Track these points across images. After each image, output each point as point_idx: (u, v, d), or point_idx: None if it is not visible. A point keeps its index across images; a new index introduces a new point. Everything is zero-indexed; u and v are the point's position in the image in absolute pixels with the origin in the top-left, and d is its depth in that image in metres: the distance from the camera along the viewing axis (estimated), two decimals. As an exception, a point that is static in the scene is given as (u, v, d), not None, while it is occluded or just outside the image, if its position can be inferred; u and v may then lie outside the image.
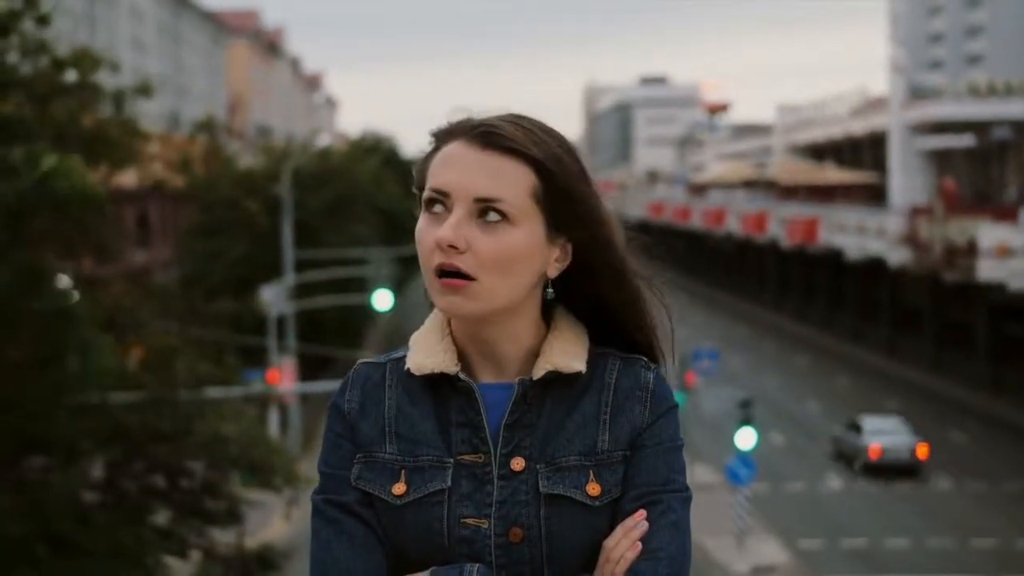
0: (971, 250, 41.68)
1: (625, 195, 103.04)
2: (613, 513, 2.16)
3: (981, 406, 45.05)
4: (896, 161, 60.12)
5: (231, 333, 29.70)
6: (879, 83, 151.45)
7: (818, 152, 78.55)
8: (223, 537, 21.46)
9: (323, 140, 64.40)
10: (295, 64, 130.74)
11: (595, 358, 2.21)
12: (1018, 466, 36.21)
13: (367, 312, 44.16)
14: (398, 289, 41.96)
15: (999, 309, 45.39)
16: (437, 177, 2.14)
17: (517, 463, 2.15)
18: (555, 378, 2.17)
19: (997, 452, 38.46)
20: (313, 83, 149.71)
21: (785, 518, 31.68)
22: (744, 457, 28.58)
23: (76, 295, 17.92)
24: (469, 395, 2.17)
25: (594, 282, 2.24)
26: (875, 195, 64.00)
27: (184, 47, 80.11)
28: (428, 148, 2.21)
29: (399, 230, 52.71)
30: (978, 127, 56.68)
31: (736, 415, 29.19)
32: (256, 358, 36.02)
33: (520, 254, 2.13)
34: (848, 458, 37.23)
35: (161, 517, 19.90)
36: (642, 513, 2.14)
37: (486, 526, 2.13)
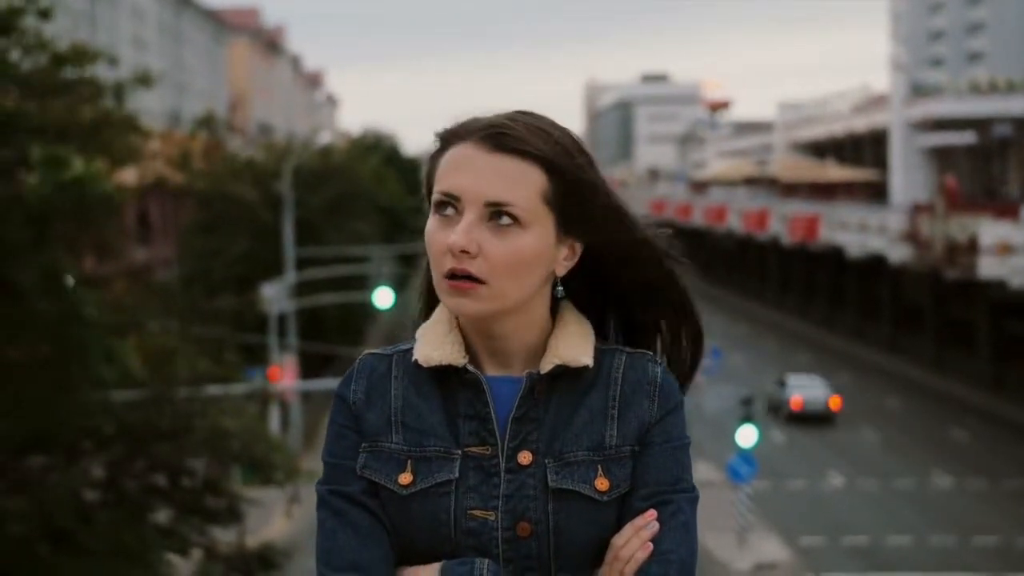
0: (972, 247, 41.66)
1: (626, 193, 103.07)
2: (620, 508, 2.15)
3: (982, 404, 45.03)
4: (897, 158, 60.11)
5: (232, 331, 29.68)
6: (880, 80, 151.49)
7: (819, 149, 78.56)
8: (224, 536, 21.46)
9: (324, 138, 64.46)
10: (296, 62, 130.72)
11: (601, 353, 2.20)
12: (1019, 464, 36.20)
13: (368, 310, 44.16)
14: (399, 287, 41.95)
15: (1000, 307, 45.38)
16: (447, 180, 2.13)
17: (524, 457, 2.14)
18: (562, 372, 2.16)
19: (998, 450, 38.45)
20: (314, 81, 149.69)
21: (786, 516, 31.68)
22: (745, 455, 28.58)
23: (88, 294, 17.92)
24: (477, 387, 2.16)
25: (607, 275, 2.24)
26: (876, 192, 64.01)
27: (185, 45, 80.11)
28: (433, 148, 2.20)
29: (400, 228, 52.79)
30: (979, 124, 56.67)
31: (737, 413, 29.19)
32: (257, 356, 36.03)
33: (531, 257, 2.13)
34: (776, 409, 42.75)
35: (162, 516, 19.90)
36: (653, 513, 2.14)
37: (493, 518, 2.12)
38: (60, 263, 17.37)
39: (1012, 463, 36.33)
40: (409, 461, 2.15)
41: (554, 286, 2.20)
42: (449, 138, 2.17)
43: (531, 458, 2.14)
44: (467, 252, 2.09)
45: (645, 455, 2.16)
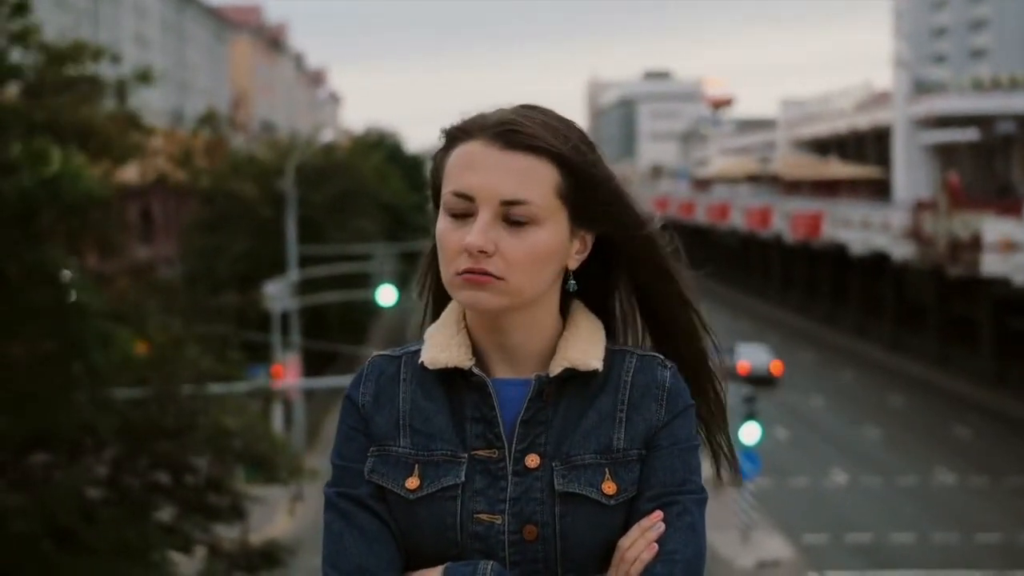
0: (975, 244, 41.64)
1: (629, 190, 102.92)
2: (628, 512, 2.14)
3: (985, 400, 45.02)
4: (900, 156, 60.05)
5: (235, 329, 29.68)
6: (883, 78, 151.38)
7: (822, 147, 78.49)
8: (227, 533, 21.47)
9: (327, 136, 64.46)
10: (298, 60, 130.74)
11: (611, 355, 2.19)
12: (1022, 460, 36.19)
13: (371, 308, 44.17)
14: (402, 284, 41.92)
15: (1003, 303, 45.37)
16: (459, 179, 2.12)
17: (532, 460, 2.13)
18: (571, 375, 2.16)
19: (1001, 447, 38.43)
20: (317, 79, 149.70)
21: (790, 513, 31.68)
22: (748, 452, 28.56)
23: (85, 287, 17.89)
24: (483, 390, 2.15)
25: (617, 271, 2.24)
26: (879, 190, 63.95)
27: (187, 43, 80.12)
28: (439, 145, 2.18)
29: (403, 225, 52.80)
30: (982, 121, 56.59)
31: (740, 410, 29.17)
32: (260, 354, 36.02)
33: (547, 253, 2.12)
34: None
35: (165, 514, 19.90)
36: (658, 514, 2.13)
37: (500, 522, 2.12)
38: (53, 258, 17.32)
39: (1015, 460, 36.31)
40: (416, 465, 2.15)
41: (566, 280, 2.19)
42: (457, 135, 2.16)
43: (539, 461, 2.13)
44: (484, 252, 2.09)
45: (652, 457, 2.15)
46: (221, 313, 28.45)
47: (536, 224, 2.10)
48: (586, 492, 2.12)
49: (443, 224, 2.13)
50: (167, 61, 70.99)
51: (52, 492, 17.18)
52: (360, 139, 72.87)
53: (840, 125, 74.55)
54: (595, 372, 2.16)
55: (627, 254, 2.22)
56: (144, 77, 21.13)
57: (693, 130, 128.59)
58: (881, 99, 70.22)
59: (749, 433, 28.34)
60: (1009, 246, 39.84)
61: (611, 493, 2.13)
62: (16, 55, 19.19)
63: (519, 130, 2.11)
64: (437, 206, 2.20)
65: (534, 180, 2.11)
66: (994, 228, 40.77)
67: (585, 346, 2.17)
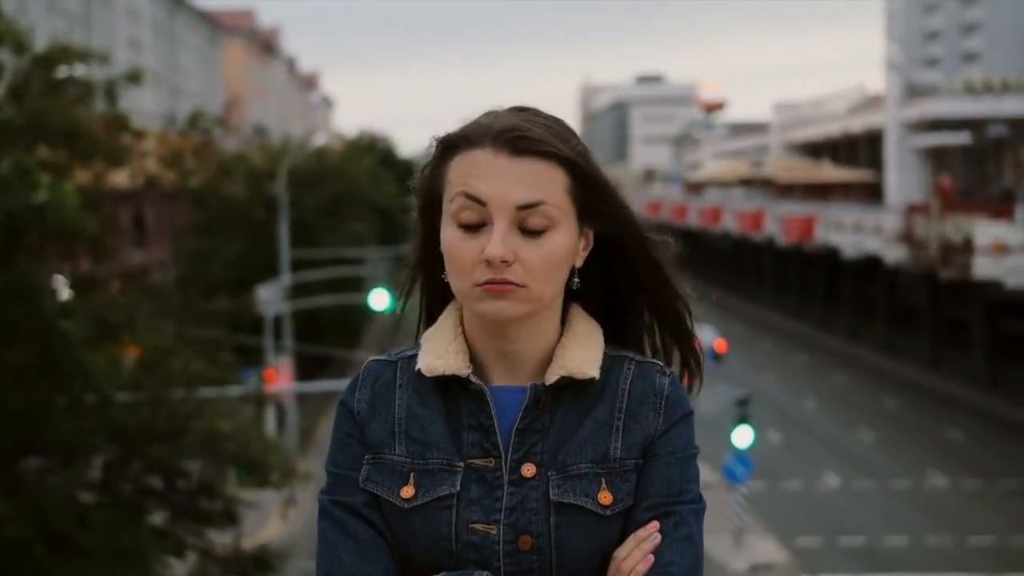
0: (967, 248, 41.68)
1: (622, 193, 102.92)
2: (625, 522, 2.12)
3: (978, 403, 45.06)
4: (892, 159, 60.12)
5: (228, 332, 29.65)
6: (876, 81, 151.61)
7: (814, 150, 78.57)
8: (220, 537, 21.45)
9: (319, 139, 64.35)
10: (291, 64, 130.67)
11: (610, 361, 2.18)
12: (1015, 463, 36.22)
13: (364, 312, 44.14)
14: (395, 289, 41.89)
15: (995, 306, 45.41)
16: (470, 188, 2.09)
17: (528, 469, 2.11)
18: (568, 383, 2.14)
19: (994, 449, 38.46)
20: (309, 83, 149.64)
21: (783, 516, 31.68)
22: (741, 455, 28.57)
23: (71, 305, 17.84)
24: (480, 398, 2.13)
25: (623, 269, 2.23)
26: (872, 193, 64.02)
27: (180, 47, 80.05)
28: (434, 154, 2.16)
29: (396, 229, 52.75)
30: (974, 125, 56.67)
31: (733, 413, 29.18)
32: (253, 358, 35.98)
33: (564, 255, 2.12)
34: None
35: (158, 518, 19.88)
36: (655, 525, 2.11)
37: (495, 532, 2.10)
38: (36, 276, 17.29)
39: (1008, 462, 36.34)
40: (412, 474, 2.13)
41: (570, 277, 2.17)
42: (458, 143, 2.13)
43: (535, 470, 2.11)
44: (506, 261, 2.07)
45: (649, 467, 2.13)
46: (214, 317, 28.39)
47: (552, 228, 2.10)
48: (581, 503, 2.10)
49: (452, 235, 2.11)
50: (160, 65, 70.93)
51: (45, 496, 17.16)
52: (353, 143, 72.85)
53: (832, 128, 74.63)
54: (592, 380, 2.14)
55: (627, 251, 2.22)
56: (133, 78, 21.10)
57: (686, 134, 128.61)
58: (873, 102, 70.32)
59: (742, 436, 28.36)
60: (1001, 249, 39.88)
61: (607, 503, 2.11)
62: (2, 58, 19.18)
63: (527, 136, 2.09)
64: (428, 215, 2.18)
65: (546, 183, 2.09)
66: (986, 231, 40.82)
67: (582, 353, 2.15)
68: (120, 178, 28.51)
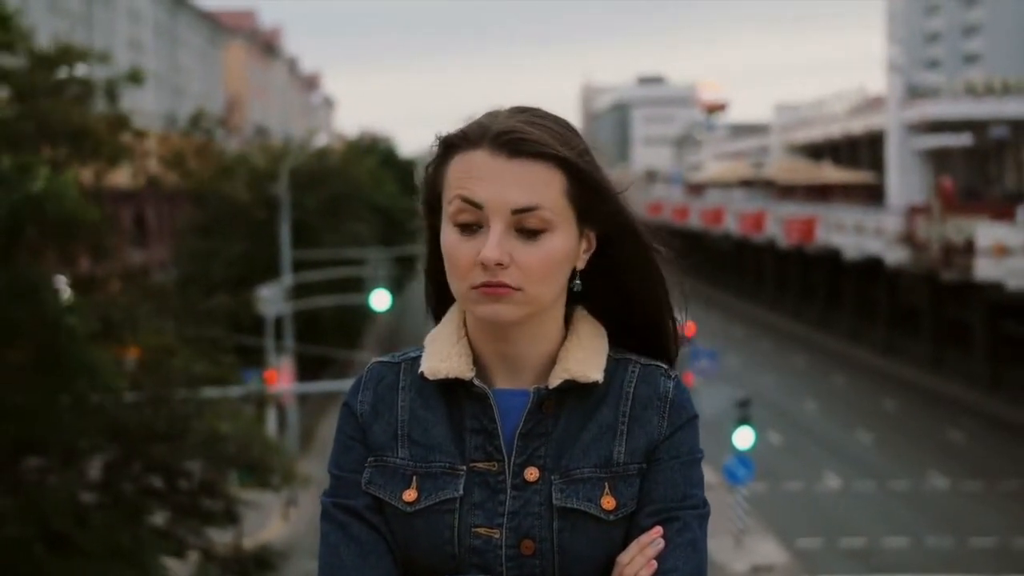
0: (969, 249, 41.67)
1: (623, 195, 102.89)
2: (628, 527, 2.11)
3: (979, 405, 45.05)
4: (894, 160, 60.09)
5: (228, 333, 29.62)
6: (877, 82, 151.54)
7: (816, 151, 78.53)
8: (221, 537, 21.44)
9: (320, 140, 64.32)
10: (292, 64, 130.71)
11: (614, 364, 2.16)
12: (1016, 464, 36.21)
13: (365, 312, 44.14)
14: (396, 289, 41.89)
15: (997, 308, 45.40)
16: (466, 190, 2.07)
17: (531, 473, 2.10)
18: (572, 386, 2.12)
19: (995, 450, 38.45)
20: (310, 83, 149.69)
21: (783, 517, 31.67)
22: (742, 457, 28.56)
23: (74, 302, 17.84)
24: (484, 401, 2.12)
25: (619, 271, 2.20)
26: (873, 194, 63.99)
27: (181, 47, 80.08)
28: (436, 152, 2.14)
29: (397, 230, 52.76)
30: (976, 126, 56.65)
31: (734, 414, 29.18)
32: (254, 358, 35.97)
33: (562, 258, 2.10)
34: None
35: (159, 518, 19.88)
36: (658, 530, 2.10)
37: (497, 536, 2.09)
38: (38, 274, 17.29)
39: (1009, 464, 36.33)
40: (415, 477, 2.12)
41: (571, 279, 2.16)
42: (457, 143, 2.11)
43: (538, 474, 2.10)
44: (501, 264, 2.05)
45: (653, 471, 2.12)
46: (214, 317, 28.37)
47: (549, 230, 2.08)
48: (584, 507, 2.09)
49: (451, 236, 2.09)
50: (161, 66, 70.96)
51: (45, 496, 17.15)
52: (354, 143, 72.79)
53: (834, 129, 74.60)
54: (595, 383, 2.13)
55: (626, 253, 2.20)
56: (134, 77, 21.12)
57: (687, 135, 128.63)
58: (875, 103, 70.29)
59: (742, 437, 28.35)
60: (1002, 250, 39.87)
61: (610, 508, 2.10)
62: (4, 60, 19.19)
63: (525, 137, 2.07)
64: (431, 214, 2.17)
65: (543, 186, 2.07)
66: (987, 232, 40.80)
67: (586, 356, 2.14)
68: (121, 178, 28.51)
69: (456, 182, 2.09)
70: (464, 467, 2.11)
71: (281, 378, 36.54)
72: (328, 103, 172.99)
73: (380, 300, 32.90)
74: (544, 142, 2.08)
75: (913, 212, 49.38)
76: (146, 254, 52.45)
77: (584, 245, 2.15)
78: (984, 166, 61.92)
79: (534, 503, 2.09)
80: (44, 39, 21.95)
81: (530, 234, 2.07)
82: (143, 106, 49.01)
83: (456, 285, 2.10)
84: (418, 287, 2.40)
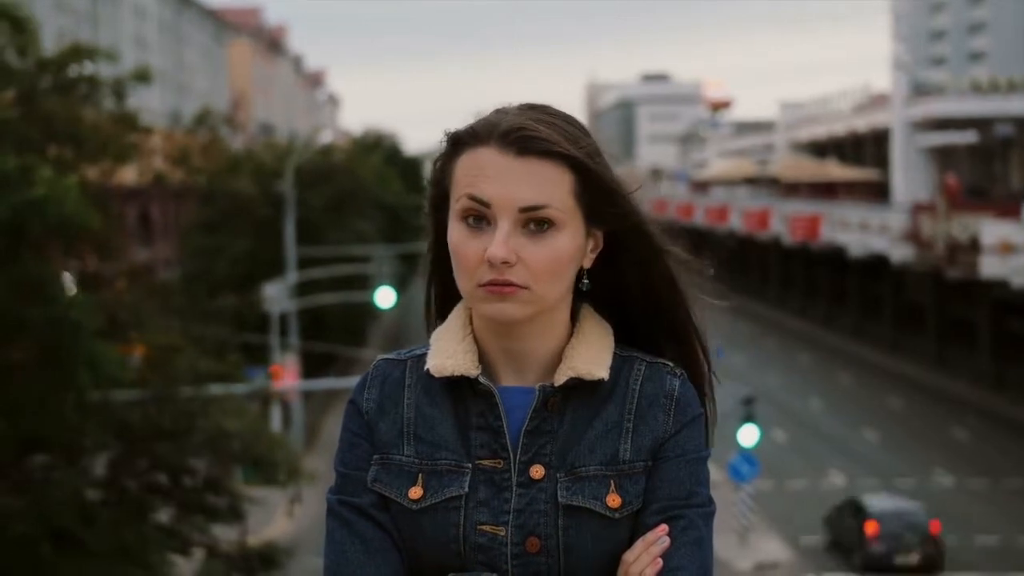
0: (974, 247, 41.64)
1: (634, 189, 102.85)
2: (634, 525, 2.10)
3: (984, 402, 45.02)
4: (899, 158, 60.05)
5: (233, 330, 29.65)
6: (882, 80, 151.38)
7: (821, 149, 78.46)
8: (226, 534, 21.46)
9: (325, 137, 64.42)
10: (297, 62, 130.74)
11: (620, 362, 2.15)
12: (1021, 462, 36.18)
13: (370, 309, 44.16)
14: (401, 286, 41.91)
15: (1002, 305, 45.38)
16: (474, 187, 2.06)
17: (536, 471, 2.10)
18: (577, 384, 2.12)
19: (1000, 448, 38.43)
20: (315, 81, 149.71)
21: (788, 515, 31.66)
22: (747, 454, 28.57)
23: (80, 298, 17.86)
24: (489, 399, 2.12)
25: (629, 270, 2.19)
26: (878, 192, 63.95)
27: (186, 45, 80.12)
28: (443, 149, 2.13)
29: (402, 227, 52.77)
30: (981, 124, 56.61)
31: (738, 412, 29.17)
32: (259, 355, 36.01)
33: (568, 257, 2.09)
34: None
35: (164, 515, 19.90)
36: (664, 528, 2.09)
37: (503, 534, 2.08)
38: (43, 272, 17.31)
39: (1014, 462, 36.30)
40: (420, 475, 2.12)
41: (579, 278, 2.15)
42: (466, 140, 2.10)
43: (543, 472, 2.09)
44: (507, 262, 2.04)
45: (658, 469, 2.11)
46: (220, 314, 28.40)
47: (556, 229, 2.07)
48: (590, 505, 2.09)
49: (458, 234, 2.08)
50: (166, 63, 71.01)
51: (50, 494, 17.18)
52: (359, 141, 72.86)
53: (838, 127, 74.53)
54: (601, 381, 2.12)
55: (636, 253, 2.19)
56: (141, 76, 21.14)
57: (692, 132, 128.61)
58: (879, 101, 70.20)
59: (747, 435, 28.34)
60: (1008, 248, 39.83)
61: (615, 506, 2.09)
62: (12, 61, 19.21)
63: (534, 136, 2.06)
64: (438, 210, 2.16)
65: (551, 185, 2.06)
66: (992, 230, 40.77)
67: (591, 354, 2.13)
68: (127, 175, 28.53)
69: (464, 179, 2.08)
70: (470, 464, 2.11)
71: (286, 375, 36.56)
72: (333, 101, 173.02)
73: (385, 297, 32.91)
74: (553, 140, 2.07)
75: (918, 210, 49.33)
76: (151, 251, 52.50)
77: (591, 244, 2.14)
78: (989, 164, 61.87)
79: (539, 501, 2.09)
80: (50, 36, 22.02)
81: (537, 232, 2.06)
82: (148, 103, 49.04)
83: (462, 282, 2.10)
84: (423, 284, 2.37)
